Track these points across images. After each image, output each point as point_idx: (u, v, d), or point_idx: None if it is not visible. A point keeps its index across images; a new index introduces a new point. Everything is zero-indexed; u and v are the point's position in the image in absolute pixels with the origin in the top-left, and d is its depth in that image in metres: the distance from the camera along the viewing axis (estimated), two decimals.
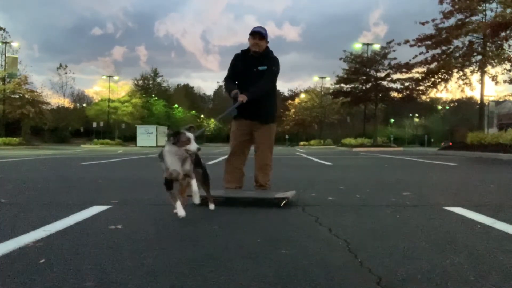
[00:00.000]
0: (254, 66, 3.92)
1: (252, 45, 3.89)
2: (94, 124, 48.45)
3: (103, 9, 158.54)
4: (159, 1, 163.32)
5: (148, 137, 44.81)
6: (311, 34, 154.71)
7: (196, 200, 2.85)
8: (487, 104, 36.51)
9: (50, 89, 61.22)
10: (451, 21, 21.38)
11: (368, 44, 35.57)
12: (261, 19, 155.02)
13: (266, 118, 4.02)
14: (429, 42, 22.39)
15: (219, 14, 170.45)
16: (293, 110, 62.11)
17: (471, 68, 22.58)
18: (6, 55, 36.47)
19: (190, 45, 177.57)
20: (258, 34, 3.87)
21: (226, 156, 4.13)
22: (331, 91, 42.28)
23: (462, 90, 24.25)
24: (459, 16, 21.19)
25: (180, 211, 2.71)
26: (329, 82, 49.01)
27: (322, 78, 52.85)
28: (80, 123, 61.56)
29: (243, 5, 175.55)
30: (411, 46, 22.96)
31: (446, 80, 23.94)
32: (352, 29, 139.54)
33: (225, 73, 4.11)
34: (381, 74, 34.56)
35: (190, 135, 2.74)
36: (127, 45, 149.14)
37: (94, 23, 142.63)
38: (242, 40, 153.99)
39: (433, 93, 27.70)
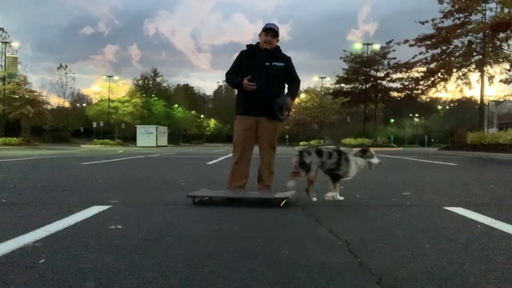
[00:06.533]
0: (267, 60, 3.90)
1: (264, 41, 3.88)
2: (94, 124, 48.42)
3: (94, 8, 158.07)
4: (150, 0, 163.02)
5: (148, 137, 44.75)
6: (303, 33, 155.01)
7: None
8: (487, 104, 36.51)
9: (50, 89, 61.32)
10: (451, 21, 21.41)
11: (368, 44, 35.59)
12: (251, 17, 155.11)
13: (274, 114, 3.95)
14: (428, 42, 22.42)
15: (208, 13, 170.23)
16: (293, 110, 62.12)
17: (471, 67, 22.61)
18: (6, 55, 36.46)
19: (180, 44, 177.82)
20: (271, 32, 3.88)
21: (233, 157, 4.06)
22: (331, 91, 42.32)
23: (461, 90, 24.31)
24: (459, 16, 21.21)
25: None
26: (329, 82, 49.08)
27: (322, 78, 52.88)
28: (80, 123, 61.53)
29: (232, 3, 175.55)
30: (411, 46, 22.99)
31: (445, 80, 23.97)
32: (347, 27, 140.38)
33: (220, 72, 4.10)
34: (381, 74, 34.60)
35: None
36: (119, 44, 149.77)
37: (85, 22, 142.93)
38: (232, 39, 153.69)
39: (432, 93, 27.72)
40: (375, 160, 3.55)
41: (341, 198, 3.57)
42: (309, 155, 3.48)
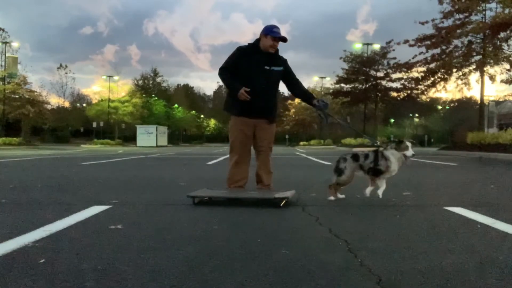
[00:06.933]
0: (265, 64, 3.84)
1: (271, 46, 3.81)
2: (94, 124, 48.41)
3: (93, 8, 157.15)
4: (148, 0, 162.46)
5: (148, 137, 44.77)
6: (303, 33, 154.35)
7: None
8: (487, 104, 36.50)
9: (50, 89, 61.35)
10: (451, 21, 21.41)
11: (368, 44, 35.60)
12: (250, 17, 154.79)
13: (273, 117, 4.05)
14: (428, 42, 22.41)
15: (207, 12, 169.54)
16: (293, 110, 62.11)
17: (470, 68, 22.62)
18: (6, 55, 36.47)
19: (180, 44, 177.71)
20: (279, 40, 3.83)
21: (231, 158, 4.05)
22: (331, 91, 42.35)
23: (461, 90, 24.32)
24: (459, 16, 21.21)
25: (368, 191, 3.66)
26: (329, 82, 49.14)
27: (322, 78, 52.91)
28: (80, 123, 61.54)
29: (232, 3, 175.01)
30: (411, 46, 22.97)
31: (445, 80, 23.98)
32: (347, 27, 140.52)
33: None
34: (381, 74, 34.62)
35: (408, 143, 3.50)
36: (118, 44, 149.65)
37: (85, 22, 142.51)
38: (231, 39, 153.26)
39: (432, 93, 27.72)
40: (408, 153, 3.51)
41: (380, 195, 3.58)
42: (344, 162, 3.62)
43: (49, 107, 47.10)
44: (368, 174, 3.61)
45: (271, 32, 3.81)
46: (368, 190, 3.64)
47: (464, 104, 63.63)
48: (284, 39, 3.86)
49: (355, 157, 3.62)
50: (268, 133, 4.02)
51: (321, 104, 3.97)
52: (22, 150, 24.15)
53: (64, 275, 1.62)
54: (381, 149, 3.62)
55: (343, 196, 3.75)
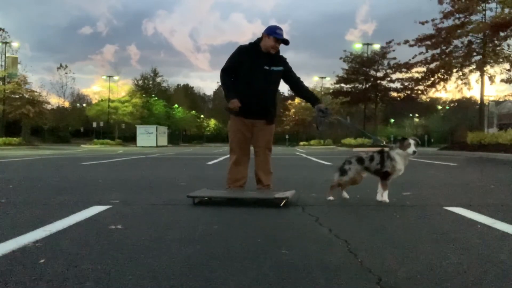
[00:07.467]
0: (265, 64, 3.82)
1: (272, 47, 3.79)
2: (94, 124, 48.40)
3: (93, 8, 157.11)
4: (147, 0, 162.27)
5: (148, 137, 44.79)
6: (303, 33, 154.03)
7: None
8: (487, 104, 36.53)
9: (50, 89, 61.27)
10: (451, 21, 21.42)
11: (368, 44, 35.61)
12: (250, 17, 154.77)
13: (272, 118, 4.03)
14: (428, 42, 22.42)
15: (206, 12, 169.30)
16: (293, 110, 62.13)
17: (470, 68, 22.62)
18: (6, 55, 36.46)
19: (179, 44, 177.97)
20: (281, 42, 3.82)
21: (230, 158, 4.05)
22: (331, 91, 42.37)
23: (461, 90, 24.34)
24: (459, 16, 21.22)
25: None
26: (329, 82, 49.15)
27: (322, 78, 52.92)
28: (80, 123, 61.55)
29: (231, 3, 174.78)
30: (411, 46, 22.98)
31: (445, 80, 23.99)
32: (346, 27, 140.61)
33: (219, 72, 3.95)
34: (381, 74, 34.64)
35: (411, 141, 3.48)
36: (118, 43, 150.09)
37: (84, 22, 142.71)
38: (230, 39, 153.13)
39: (431, 93, 27.74)
40: (409, 150, 3.49)
41: (387, 200, 3.58)
42: (349, 164, 3.66)
43: (49, 107, 47.13)
44: (375, 175, 3.64)
45: (274, 33, 3.78)
46: (385, 194, 3.65)
47: (464, 104, 63.58)
48: (286, 42, 3.84)
49: (360, 160, 3.65)
50: (266, 134, 4.02)
51: (320, 114, 3.97)
52: (22, 150, 24.15)
53: (64, 275, 1.62)
54: (387, 149, 3.63)
55: (347, 196, 3.76)
